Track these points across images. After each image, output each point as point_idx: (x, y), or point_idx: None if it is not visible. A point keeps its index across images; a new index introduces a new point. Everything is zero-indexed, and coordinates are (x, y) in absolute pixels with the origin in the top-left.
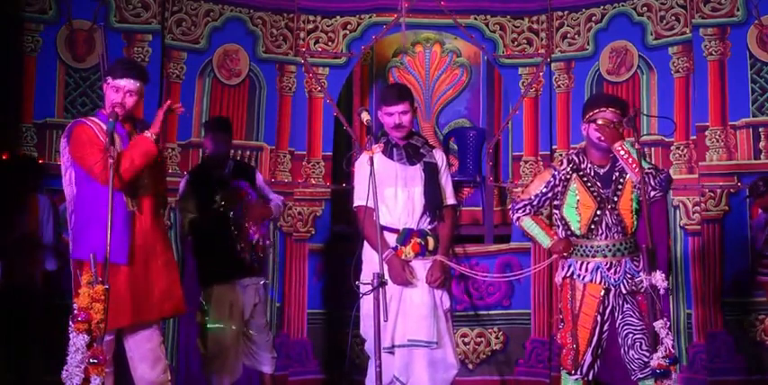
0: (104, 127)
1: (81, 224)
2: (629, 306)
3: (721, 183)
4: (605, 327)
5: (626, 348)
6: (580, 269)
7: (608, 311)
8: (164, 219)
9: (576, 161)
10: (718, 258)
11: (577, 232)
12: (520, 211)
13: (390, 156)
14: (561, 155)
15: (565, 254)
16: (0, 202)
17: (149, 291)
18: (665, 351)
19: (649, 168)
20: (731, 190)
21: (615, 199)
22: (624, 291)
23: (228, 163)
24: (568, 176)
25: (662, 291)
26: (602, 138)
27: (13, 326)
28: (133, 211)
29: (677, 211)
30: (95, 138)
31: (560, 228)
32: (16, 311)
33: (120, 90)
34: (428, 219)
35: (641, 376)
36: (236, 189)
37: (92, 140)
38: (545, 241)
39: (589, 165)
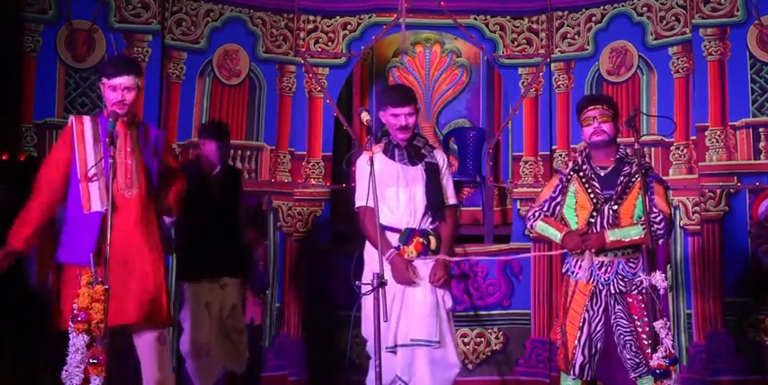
0: (89, 125)
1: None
2: (619, 307)
3: (721, 184)
4: (598, 327)
5: (620, 348)
6: (574, 266)
7: (600, 310)
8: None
9: (579, 162)
10: (718, 258)
11: None
12: (532, 219)
13: (392, 157)
14: (561, 155)
15: (576, 251)
16: (14, 204)
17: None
18: (665, 351)
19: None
20: (731, 190)
21: (620, 201)
22: (614, 292)
23: (217, 166)
24: (570, 178)
25: (662, 291)
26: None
27: (23, 327)
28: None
29: (677, 212)
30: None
31: None
32: (27, 312)
33: (117, 88)
34: (430, 219)
35: (635, 375)
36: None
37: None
38: (557, 236)
39: (590, 166)
